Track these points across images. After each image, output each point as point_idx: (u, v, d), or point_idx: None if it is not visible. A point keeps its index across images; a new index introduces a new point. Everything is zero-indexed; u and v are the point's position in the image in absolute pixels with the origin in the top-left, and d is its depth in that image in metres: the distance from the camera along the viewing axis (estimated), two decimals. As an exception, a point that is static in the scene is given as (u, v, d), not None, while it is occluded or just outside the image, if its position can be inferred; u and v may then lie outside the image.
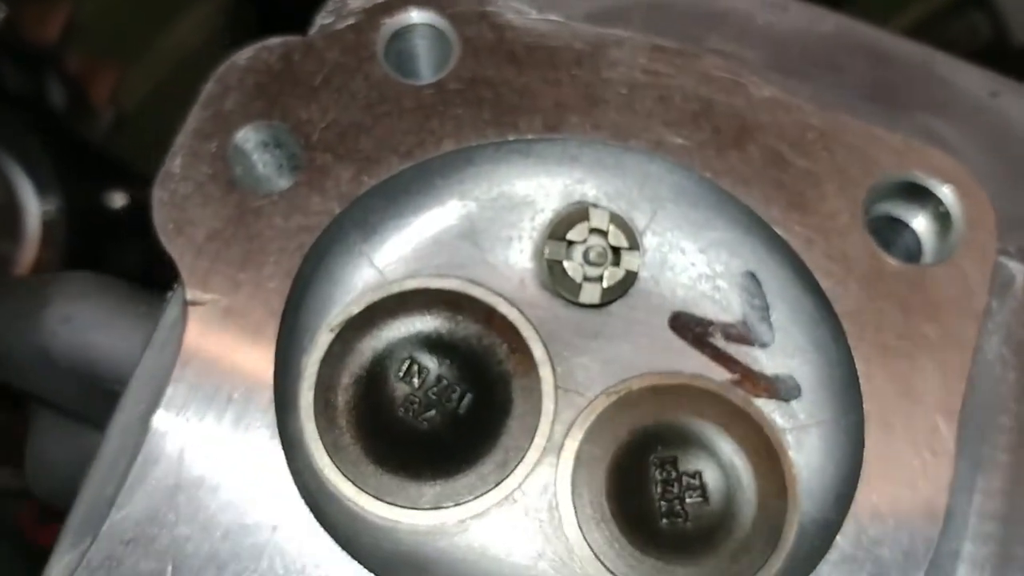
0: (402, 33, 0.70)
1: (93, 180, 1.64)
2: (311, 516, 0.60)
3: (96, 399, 0.72)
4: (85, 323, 0.71)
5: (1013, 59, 1.70)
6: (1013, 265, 0.68)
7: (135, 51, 1.94)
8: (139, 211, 1.56)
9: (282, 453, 0.61)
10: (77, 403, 0.74)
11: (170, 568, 0.59)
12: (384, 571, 0.59)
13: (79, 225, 1.58)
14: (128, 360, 0.69)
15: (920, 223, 0.69)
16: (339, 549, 0.59)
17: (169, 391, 0.61)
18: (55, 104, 1.63)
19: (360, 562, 0.59)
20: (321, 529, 0.59)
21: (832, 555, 0.60)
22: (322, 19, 0.70)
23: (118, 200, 1.61)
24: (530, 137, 0.68)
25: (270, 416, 0.61)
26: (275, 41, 0.69)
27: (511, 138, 0.68)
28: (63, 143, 1.61)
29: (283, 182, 0.67)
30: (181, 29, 2.04)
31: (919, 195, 0.68)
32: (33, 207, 1.56)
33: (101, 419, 0.71)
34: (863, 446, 0.63)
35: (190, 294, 0.63)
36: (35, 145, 1.55)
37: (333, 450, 0.64)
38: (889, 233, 0.69)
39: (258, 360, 0.62)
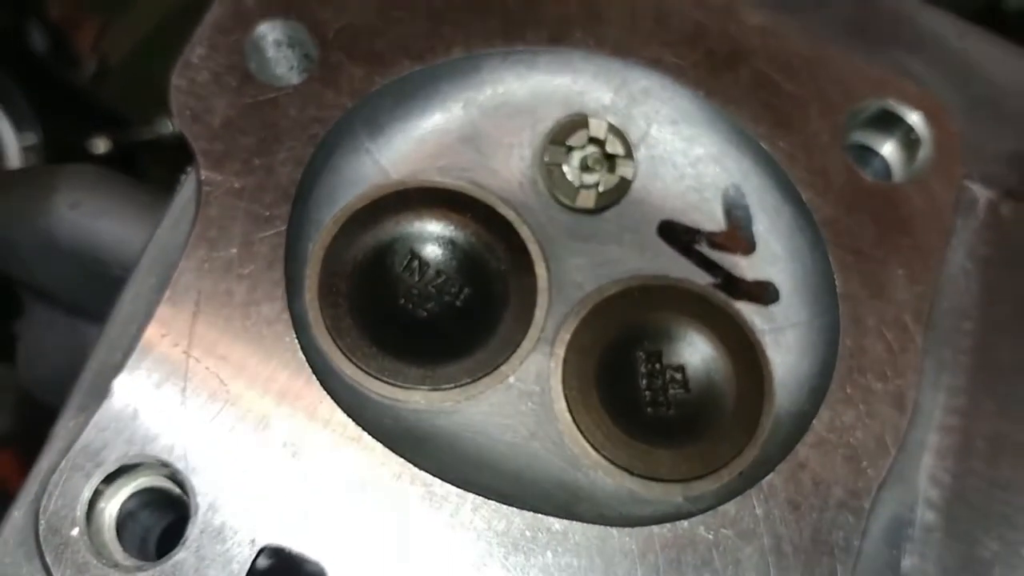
0: (416, -56, 0.73)
1: (75, 124, 1.64)
2: (318, 384, 0.62)
3: (97, 287, 0.74)
4: (93, 209, 0.73)
5: (1007, 22, 1.74)
6: (976, 188, 0.74)
7: (119, 4, 1.95)
8: (121, 157, 1.57)
9: (291, 326, 0.63)
10: (77, 292, 0.76)
11: (178, 439, 0.61)
12: (387, 442, 0.62)
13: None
14: (133, 245, 0.71)
15: (888, 149, 0.74)
16: (343, 415, 0.62)
17: (183, 263, 0.64)
18: (36, 48, 1.63)
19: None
20: (327, 396, 0.62)
21: (808, 438, 0.65)
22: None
23: (101, 146, 1.61)
24: (536, 48, 0.72)
25: (279, 293, 0.64)
26: (295, -55, 0.72)
27: (518, 48, 0.72)
28: (44, 86, 1.61)
29: (295, 79, 0.70)
30: None
31: (890, 123, 0.73)
32: (12, 148, 1.56)
33: (99, 309, 0.73)
34: (837, 344, 0.67)
35: (205, 175, 0.66)
36: (13, 86, 1.55)
37: (335, 331, 0.67)
38: (861, 162, 0.74)
39: (270, 240, 0.65)
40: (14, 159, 1.58)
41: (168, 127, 1.69)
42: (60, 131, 1.65)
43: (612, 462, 0.66)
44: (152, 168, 1.76)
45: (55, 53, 1.67)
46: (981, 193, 0.74)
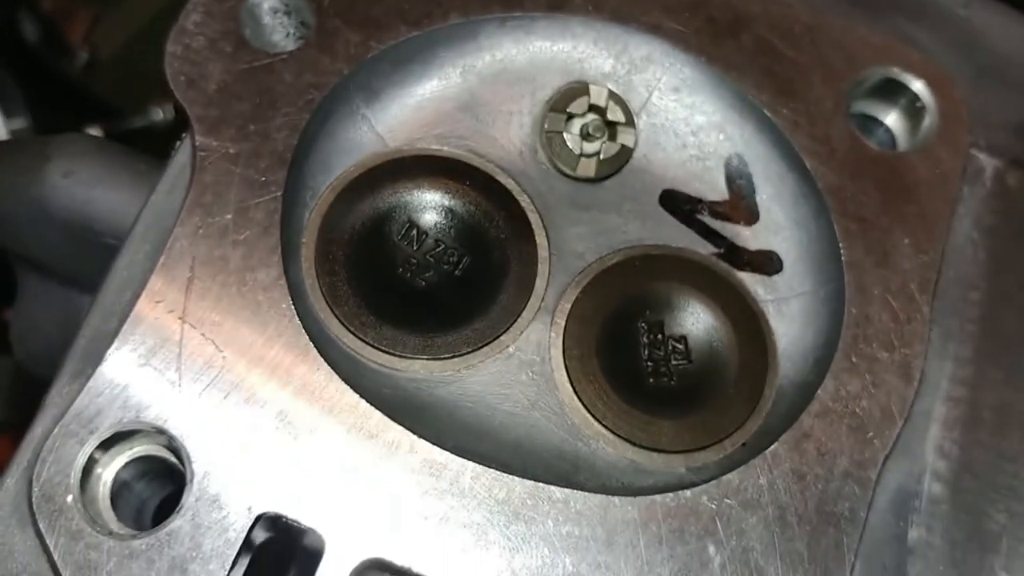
0: (414, -90, 0.72)
1: (67, 114, 1.64)
2: (315, 351, 0.61)
3: (91, 257, 0.73)
4: (86, 177, 0.72)
5: None
6: (983, 157, 0.73)
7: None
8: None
9: (287, 292, 0.62)
10: (71, 262, 0.75)
11: (173, 406, 0.60)
12: (385, 411, 0.61)
13: None
14: (128, 214, 0.70)
15: (893, 118, 0.73)
16: (341, 382, 0.61)
17: (178, 229, 0.63)
18: (29, 39, 1.63)
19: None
20: (324, 363, 0.61)
21: (813, 407, 0.64)
22: None
23: (92, 134, 1.61)
24: (534, 14, 0.71)
25: (275, 259, 0.63)
26: (291, -90, 0.71)
27: (516, 14, 0.71)
28: (36, 76, 1.61)
29: (291, 46, 0.69)
30: None
31: (895, 91, 0.73)
32: (2, 137, 1.56)
33: (93, 279, 0.72)
34: (842, 314, 0.66)
35: (200, 140, 0.65)
36: (5, 75, 1.55)
37: (332, 299, 0.66)
38: (865, 131, 0.73)
39: (266, 205, 0.64)
40: None
41: (160, 115, 1.69)
42: (52, 120, 1.65)
43: (614, 432, 0.65)
44: (144, 155, 1.76)
45: (47, 43, 1.68)
46: (987, 162, 0.73)
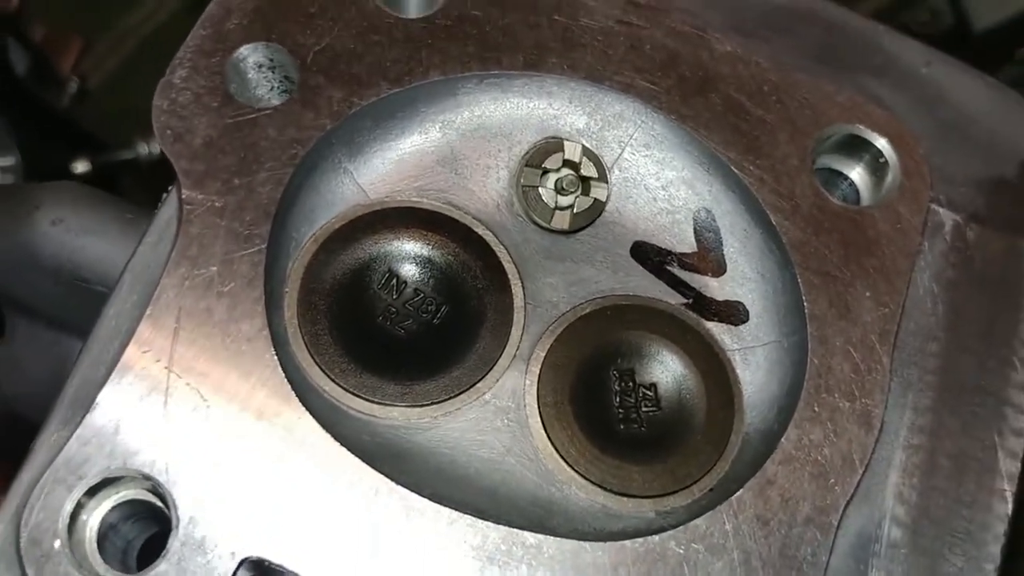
0: (395, -29, 0.75)
1: (55, 145, 1.66)
2: (297, 400, 0.63)
3: (79, 303, 0.75)
4: (76, 225, 0.74)
5: (972, 45, 1.82)
6: (943, 212, 0.76)
7: (101, 27, 1.96)
8: (100, 177, 1.59)
9: (271, 342, 0.65)
10: (59, 307, 0.77)
11: (160, 453, 0.62)
12: (365, 457, 0.63)
13: None
14: (116, 262, 0.72)
15: (857, 174, 0.76)
16: (322, 430, 0.63)
17: (164, 280, 0.65)
18: (16, 69, 1.64)
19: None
20: (306, 412, 0.63)
21: (777, 455, 0.66)
22: (320, -46, 0.75)
23: (80, 167, 1.62)
24: (511, 72, 0.73)
25: (259, 310, 0.65)
26: (275, -31, 0.73)
27: (493, 72, 0.73)
28: (24, 107, 1.62)
29: (275, 101, 0.71)
30: (148, 6, 2.07)
31: (858, 148, 0.75)
32: None
33: (79, 324, 0.74)
34: (805, 364, 0.69)
35: (187, 194, 0.67)
36: None
37: (314, 348, 0.68)
38: (830, 185, 0.76)
39: (250, 258, 0.66)
40: None
41: (146, 149, 1.71)
42: (40, 152, 1.66)
43: (585, 477, 0.67)
44: (131, 188, 1.78)
45: (36, 74, 1.70)
46: (947, 217, 0.76)
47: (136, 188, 1.78)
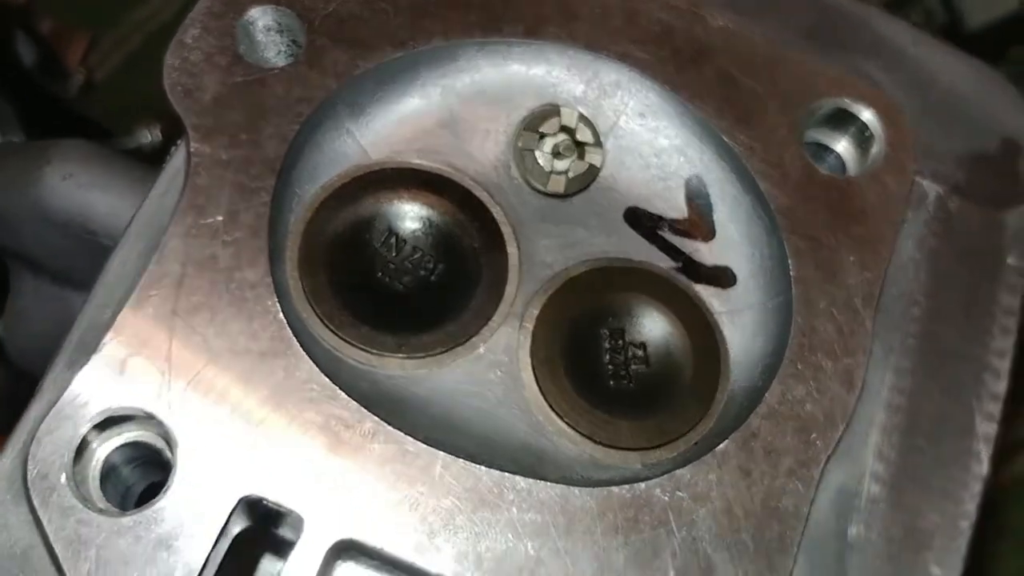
0: (400, -60, 0.77)
1: (59, 135, 1.68)
2: (298, 346, 0.66)
3: (86, 256, 0.77)
4: (85, 180, 0.76)
5: (965, 43, 1.86)
6: (927, 184, 0.78)
7: (107, 21, 1.99)
8: None
9: (273, 290, 0.67)
10: (66, 260, 0.79)
11: (163, 393, 0.64)
12: (363, 403, 0.65)
13: None
14: (123, 216, 0.75)
15: (843, 146, 0.79)
16: (322, 375, 0.65)
17: (172, 228, 0.67)
18: (24, 60, 1.68)
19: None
20: (306, 356, 0.65)
21: (761, 409, 0.68)
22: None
23: None
24: (511, 40, 0.76)
25: (262, 259, 0.67)
26: (285, -64, 0.76)
27: (493, 40, 0.76)
28: (31, 98, 1.65)
29: (283, 62, 0.74)
30: (154, 2, 2.10)
31: (845, 121, 0.78)
32: None
33: (86, 278, 0.76)
34: (790, 325, 0.71)
35: (195, 147, 0.69)
36: (1, 97, 1.60)
37: (315, 299, 0.70)
38: (818, 156, 0.78)
39: (255, 209, 0.69)
40: None
41: (147, 137, 1.74)
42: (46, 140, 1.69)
43: (575, 429, 0.70)
44: None
45: (43, 66, 1.74)
46: (931, 189, 0.78)
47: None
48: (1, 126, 1.59)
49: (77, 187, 0.76)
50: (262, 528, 0.65)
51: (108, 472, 0.65)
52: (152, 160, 1.82)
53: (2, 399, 1.48)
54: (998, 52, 1.91)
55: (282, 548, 0.65)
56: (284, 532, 0.65)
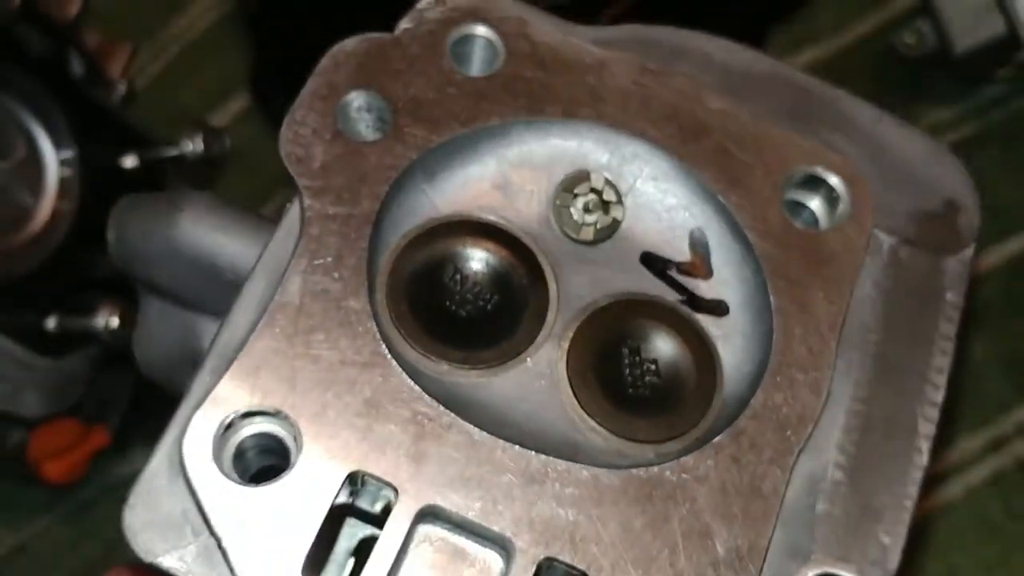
0: (464, 39, 0.97)
1: (107, 142, 1.81)
2: (390, 358, 0.85)
3: (208, 287, 0.96)
4: (212, 225, 0.95)
5: (955, 65, 1.95)
6: (882, 236, 0.95)
7: (147, 33, 2.12)
8: (147, 171, 1.76)
9: (371, 316, 0.86)
10: (190, 291, 0.98)
11: (288, 394, 0.83)
12: (441, 405, 0.84)
13: (93, 181, 1.75)
14: (243, 255, 0.94)
15: (815, 204, 0.97)
16: (408, 380, 0.84)
17: (292, 266, 0.86)
18: (74, 73, 1.80)
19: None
20: (397, 366, 0.84)
21: (747, 413, 0.86)
22: (405, 24, 0.97)
23: (129, 162, 1.77)
24: (552, 119, 0.96)
25: (363, 292, 0.87)
26: (374, 35, 0.95)
27: (538, 119, 0.95)
28: (81, 106, 1.78)
29: (372, 136, 0.93)
30: (191, 13, 2.23)
31: (817, 184, 0.95)
32: (51, 162, 1.76)
33: (205, 304, 0.96)
34: (770, 347, 0.90)
35: (308, 203, 0.88)
36: (54, 106, 1.73)
37: (399, 323, 0.89)
38: (794, 212, 0.97)
39: (356, 253, 0.87)
40: (52, 169, 1.77)
41: (189, 147, 1.86)
42: (95, 151, 1.81)
43: (603, 426, 0.87)
44: (175, 182, 1.92)
45: (90, 78, 1.85)
46: (886, 240, 0.95)
47: (179, 180, 1.92)
48: (56, 137, 1.75)
49: (206, 231, 0.94)
50: (355, 499, 0.84)
51: (239, 454, 0.84)
52: (194, 168, 1.96)
53: (120, 390, 1.67)
54: (987, 72, 1.98)
55: (369, 515, 0.84)
56: (375, 501, 0.83)
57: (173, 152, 1.88)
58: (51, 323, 1.74)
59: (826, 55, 2.02)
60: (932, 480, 1.85)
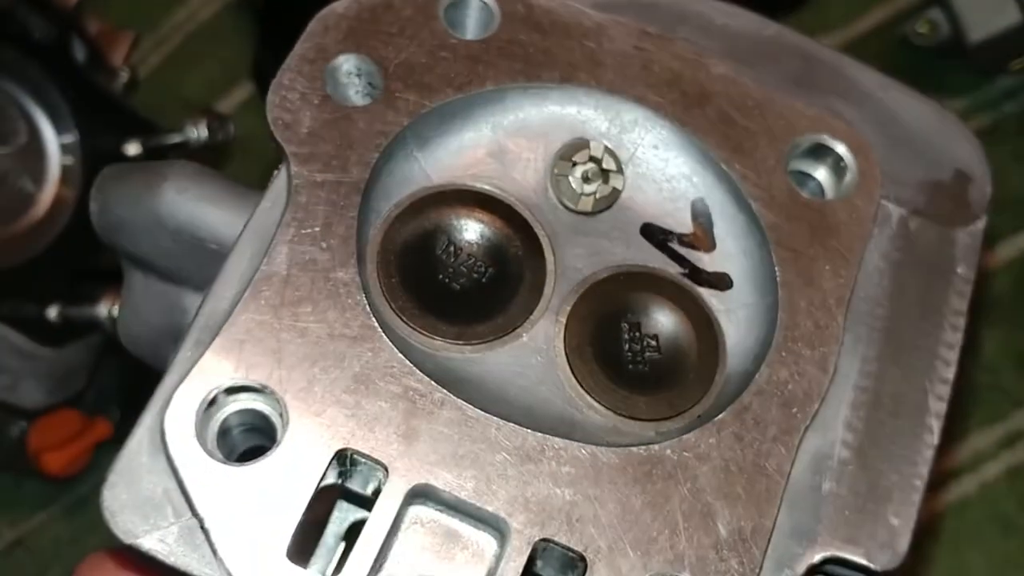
0: (458, 2, 0.93)
1: (110, 129, 1.80)
2: (381, 332, 0.81)
3: (192, 258, 0.93)
4: (197, 194, 0.91)
5: (969, 55, 1.94)
6: (891, 206, 0.93)
7: (149, 22, 2.12)
8: (151, 158, 1.74)
9: (360, 287, 0.83)
10: (175, 261, 0.94)
11: (274, 367, 0.79)
12: (431, 379, 0.81)
13: (95, 168, 1.73)
14: (228, 225, 0.90)
15: (822, 174, 0.94)
16: (399, 354, 0.81)
17: (278, 236, 0.83)
18: (77, 59, 1.79)
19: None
20: (388, 341, 0.81)
21: (752, 388, 0.83)
22: (399, -15, 0.94)
23: (132, 149, 1.77)
24: (549, 85, 0.92)
25: (352, 262, 0.83)
26: (365, -2, 0.92)
27: (535, 84, 0.92)
28: (83, 93, 1.77)
29: (362, 101, 0.90)
30: (193, 2, 2.23)
31: (823, 153, 0.93)
32: (54, 149, 1.73)
33: (189, 275, 0.92)
34: (775, 321, 0.87)
35: (295, 170, 0.85)
36: (56, 91, 1.72)
37: (390, 296, 0.86)
38: (800, 182, 0.94)
39: (345, 222, 0.84)
40: (54, 155, 1.75)
41: (192, 133, 1.85)
42: (97, 139, 1.80)
43: (601, 403, 0.85)
44: None
45: (92, 65, 1.84)
46: (894, 210, 0.93)
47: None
48: (58, 123, 1.73)
49: (190, 200, 0.91)
50: (344, 480, 0.81)
51: (224, 432, 0.81)
52: (198, 154, 1.95)
53: (122, 380, 1.64)
54: (1001, 63, 1.97)
55: (359, 498, 0.81)
56: (366, 483, 0.80)
57: (177, 139, 1.87)
58: (53, 312, 1.72)
59: (838, 44, 2.12)
60: (946, 476, 1.85)
